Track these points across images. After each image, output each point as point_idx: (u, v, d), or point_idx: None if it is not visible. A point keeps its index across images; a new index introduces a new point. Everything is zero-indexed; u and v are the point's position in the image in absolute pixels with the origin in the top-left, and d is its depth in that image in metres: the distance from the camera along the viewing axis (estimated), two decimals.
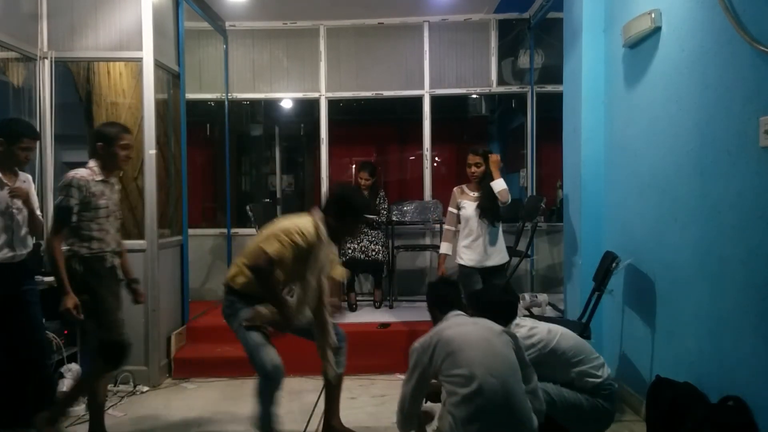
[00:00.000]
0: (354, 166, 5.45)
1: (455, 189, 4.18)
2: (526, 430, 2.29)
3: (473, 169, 4.00)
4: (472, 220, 4.00)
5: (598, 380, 2.79)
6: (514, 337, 2.49)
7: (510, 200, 3.92)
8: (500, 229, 4.06)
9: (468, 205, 4.03)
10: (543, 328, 2.87)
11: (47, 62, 4.09)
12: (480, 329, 2.46)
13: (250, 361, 2.85)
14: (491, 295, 3.02)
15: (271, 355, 2.80)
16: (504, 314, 2.79)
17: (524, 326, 2.84)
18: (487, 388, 2.25)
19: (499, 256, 4.05)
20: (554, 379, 2.79)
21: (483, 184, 3.98)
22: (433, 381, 2.50)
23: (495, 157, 3.96)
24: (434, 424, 2.65)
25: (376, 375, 4.29)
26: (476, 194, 4.03)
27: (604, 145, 3.92)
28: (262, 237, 2.83)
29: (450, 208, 4.18)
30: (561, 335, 2.84)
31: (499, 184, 3.89)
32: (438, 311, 2.69)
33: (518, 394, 2.30)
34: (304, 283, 2.88)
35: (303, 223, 2.82)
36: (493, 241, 4.01)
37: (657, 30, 3.17)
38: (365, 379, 4.22)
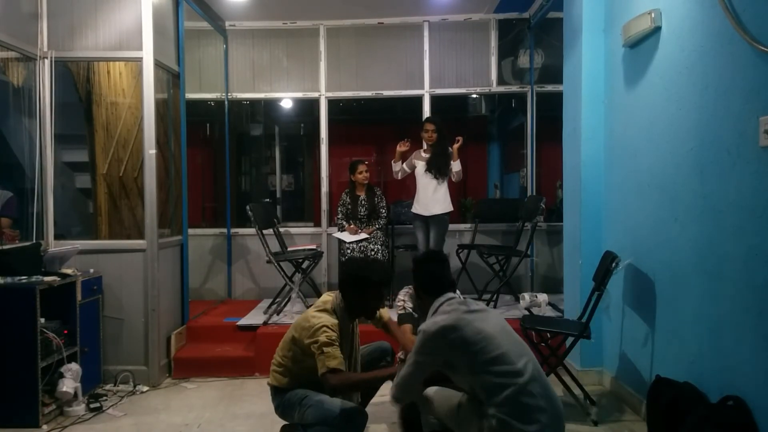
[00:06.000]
0: (350, 167, 5.42)
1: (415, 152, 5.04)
2: (561, 413, 2.23)
3: (429, 134, 4.87)
4: (420, 175, 4.91)
5: None
6: None
7: (460, 179, 4.93)
8: (445, 185, 4.88)
9: (420, 164, 4.93)
10: None
11: (47, 62, 4.09)
12: (493, 316, 2.35)
13: (327, 421, 2.62)
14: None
15: (346, 402, 2.69)
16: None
17: None
18: (532, 380, 2.14)
19: (440, 206, 4.84)
20: None
21: (434, 147, 4.87)
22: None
23: (458, 141, 4.88)
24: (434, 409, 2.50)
25: None
26: (428, 156, 4.92)
27: (603, 145, 3.92)
28: (305, 345, 2.67)
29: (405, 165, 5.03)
30: None
31: (455, 166, 4.85)
32: (427, 294, 2.44)
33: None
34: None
35: (325, 320, 2.69)
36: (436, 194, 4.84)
37: (657, 30, 3.17)
38: None
